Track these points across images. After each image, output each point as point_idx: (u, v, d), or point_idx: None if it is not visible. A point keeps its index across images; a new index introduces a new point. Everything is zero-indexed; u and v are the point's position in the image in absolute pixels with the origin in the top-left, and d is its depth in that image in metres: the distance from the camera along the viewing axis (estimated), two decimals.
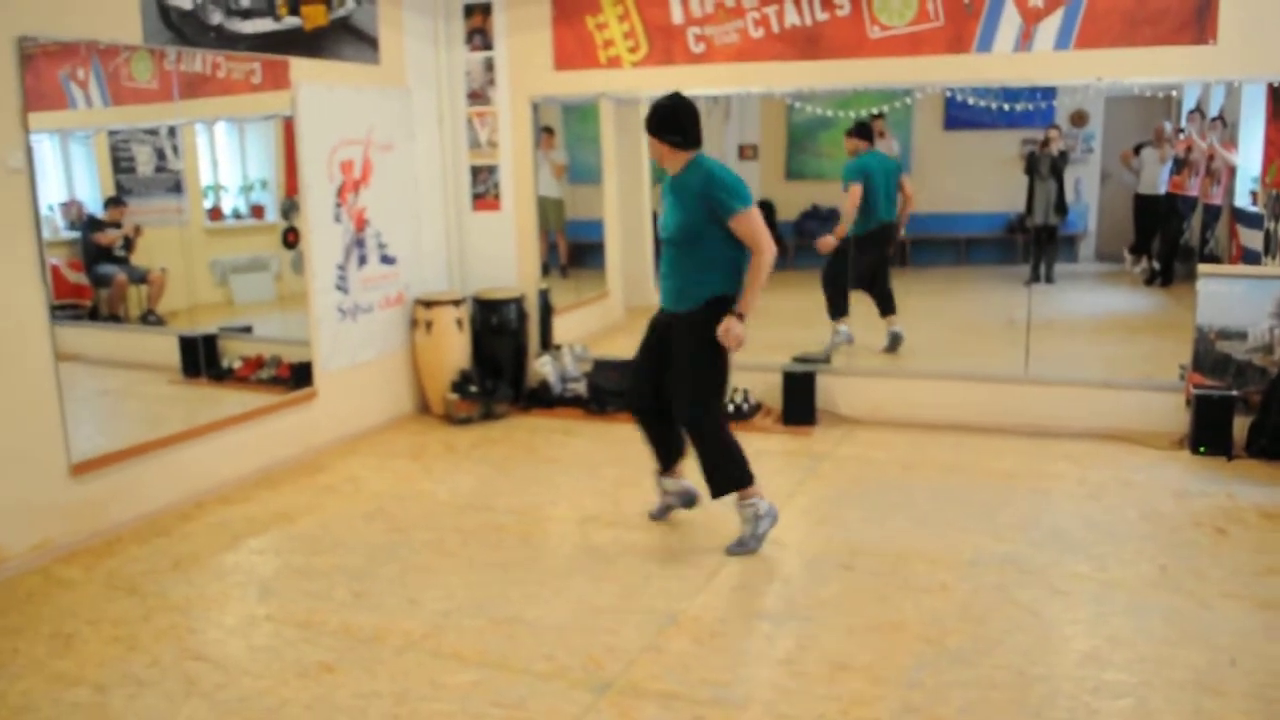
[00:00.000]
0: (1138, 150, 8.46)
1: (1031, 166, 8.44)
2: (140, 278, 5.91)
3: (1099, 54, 5.95)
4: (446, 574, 4.53)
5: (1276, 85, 6.20)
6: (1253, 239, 6.97)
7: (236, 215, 6.61)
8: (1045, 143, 8.32)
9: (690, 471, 4.89)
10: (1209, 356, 6.11)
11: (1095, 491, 5.39)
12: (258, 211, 6.70)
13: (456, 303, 7.14)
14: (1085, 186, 9.18)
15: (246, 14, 5.72)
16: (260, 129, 6.61)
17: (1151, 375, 6.54)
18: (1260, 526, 4.86)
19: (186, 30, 5.40)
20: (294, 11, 6.01)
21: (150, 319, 6.00)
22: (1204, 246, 7.85)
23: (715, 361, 4.55)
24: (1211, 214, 7.88)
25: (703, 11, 6.64)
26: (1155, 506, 5.16)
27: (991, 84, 6.42)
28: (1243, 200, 7.27)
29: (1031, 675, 3.53)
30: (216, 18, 5.55)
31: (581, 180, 8.48)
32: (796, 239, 9.84)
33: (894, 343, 7.63)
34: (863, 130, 7.58)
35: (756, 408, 6.84)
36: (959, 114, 8.80)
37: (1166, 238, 8.50)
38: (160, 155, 5.88)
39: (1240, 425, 5.89)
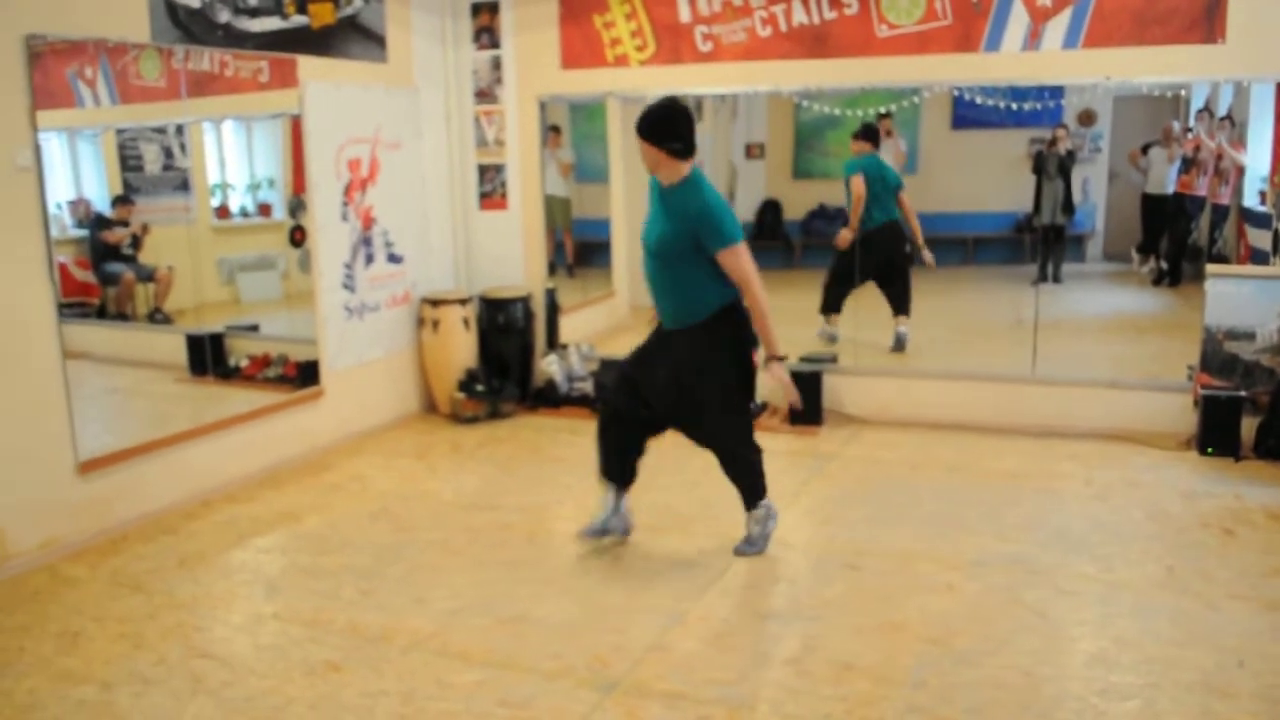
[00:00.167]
0: (1146, 150, 8.43)
1: (1039, 166, 8.42)
2: (147, 276, 5.92)
3: (1107, 53, 5.94)
4: (453, 573, 4.53)
5: None
6: (1261, 239, 6.95)
7: (244, 213, 6.63)
8: (1053, 142, 8.29)
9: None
10: (1217, 357, 6.09)
11: (1102, 492, 5.38)
12: (265, 210, 6.71)
13: (463, 302, 7.14)
14: (1093, 186, 9.15)
15: (254, 12, 5.72)
16: (268, 127, 6.62)
17: (1159, 375, 6.52)
18: (1268, 528, 4.84)
19: (194, 28, 5.41)
20: (301, 10, 6.02)
21: (157, 317, 6.01)
22: (1212, 246, 7.83)
23: (732, 380, 4.46)
24: (1220, 214, 7.86)
25: (710, 10, 6.63)
26: (1162, 507, 5.14)
27: (999, 83, 6.40)
28: (1251, 200, 7.25)
29: (1038, 676, 3.53)
30: (224, 16, 5.56)
31: (588, 179, 8.48)
32: (803, 238, 9.85)
33: (898, 343, 7.62)
34: (867, 133, 7.58)
35: (763, 407, 6.84)
36: (967, 113, 8.78)
37: (1174, 237, 8.47)
38: (168, 153, 5.89)
39: (1248, 426, 5.87)
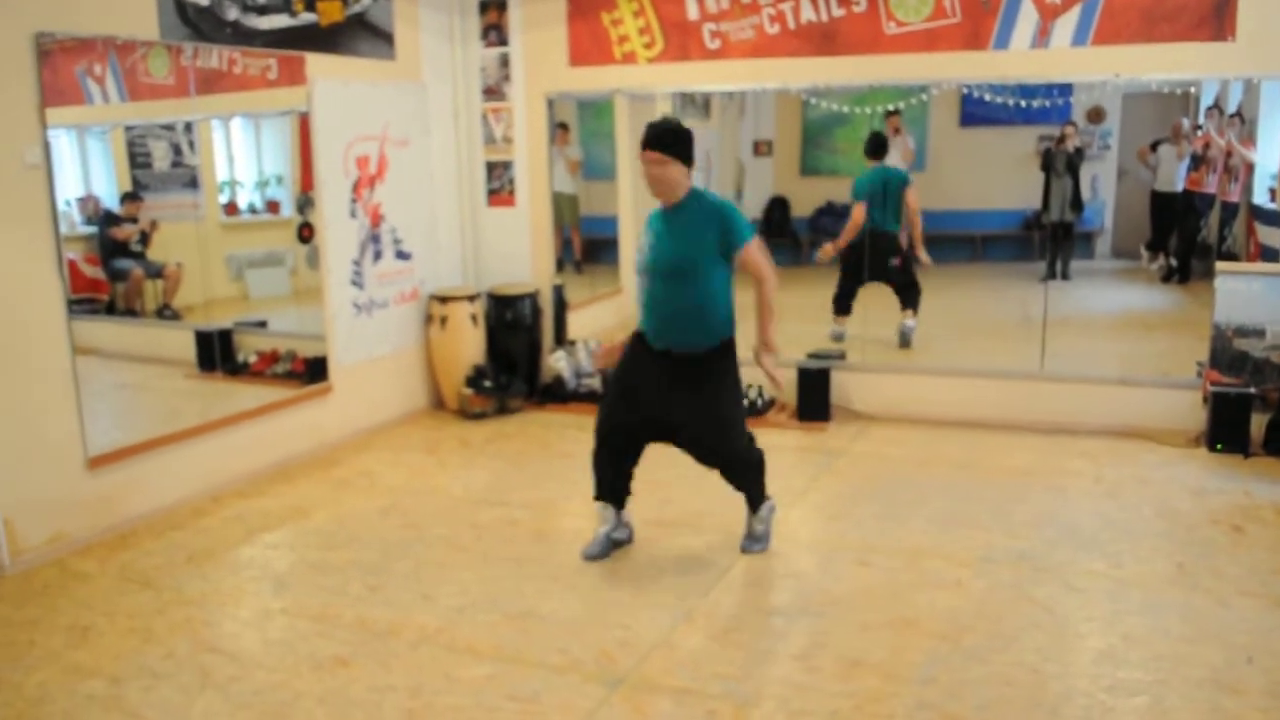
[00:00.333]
0: (1155, 147, 8.41)
1: (1048, 163, 8.41)
2: (156, 272, 5.94)
3: (1117, 50, 5.92)
4: (461, 568, 4.54)
5: None
6: (1271, 236, 6.93)
7: (252, 210, 6.64)
8: (1061, 139, 8.28)
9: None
10: (1226, 354, 6.07)
11: (1111, 489, 5.37)
12: (273, 207, 6.72)
13: (471, 298, 7.14)
14: (1102, 183, 9.14)
15: (263, 10, 5.73)
16: (276, 124, 6.63)
17: (1168, 373, 6.51)
18: (1277, 524, 4.83)
19: (203, 26, 5.42)
20: (310, 7, 6.02)
21: (166, 313, 6.02)
22: (1221, 244, 7.81)
23: (740, 396, 4.52)
24: (1229, 211, 7.84)
25: (718, 7, 6.63)
26: (1172, 504, 5.13)
27: (1008, 81, 6.39)
28: (1261, 197, 7.23)
29: (1047, 673, 3.52)
30: (233, 13, 5.57)
31: (596, 176, 8.47)
32: (811, 235, 9.84)
33: (902, 338, 7.63)
34: (871, 146, 7.64)
35: (770, 403, 6.83)
36: (975, 110, 8.78)
37: (1183, 235, 8.45)
38: (176, 150, 5.90)
39: (1257, 423, 5.85)
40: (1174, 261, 8.58)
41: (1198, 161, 8.10)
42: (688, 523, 4.99)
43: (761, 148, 10.12)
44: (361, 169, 6.51)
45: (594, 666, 3.64)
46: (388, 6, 6.63)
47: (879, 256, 7.62)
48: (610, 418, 4.54)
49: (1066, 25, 5.97)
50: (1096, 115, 8.93)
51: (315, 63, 6.11)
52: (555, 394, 7.35)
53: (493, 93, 7.40)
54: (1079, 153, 8.38)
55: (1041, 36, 6.03)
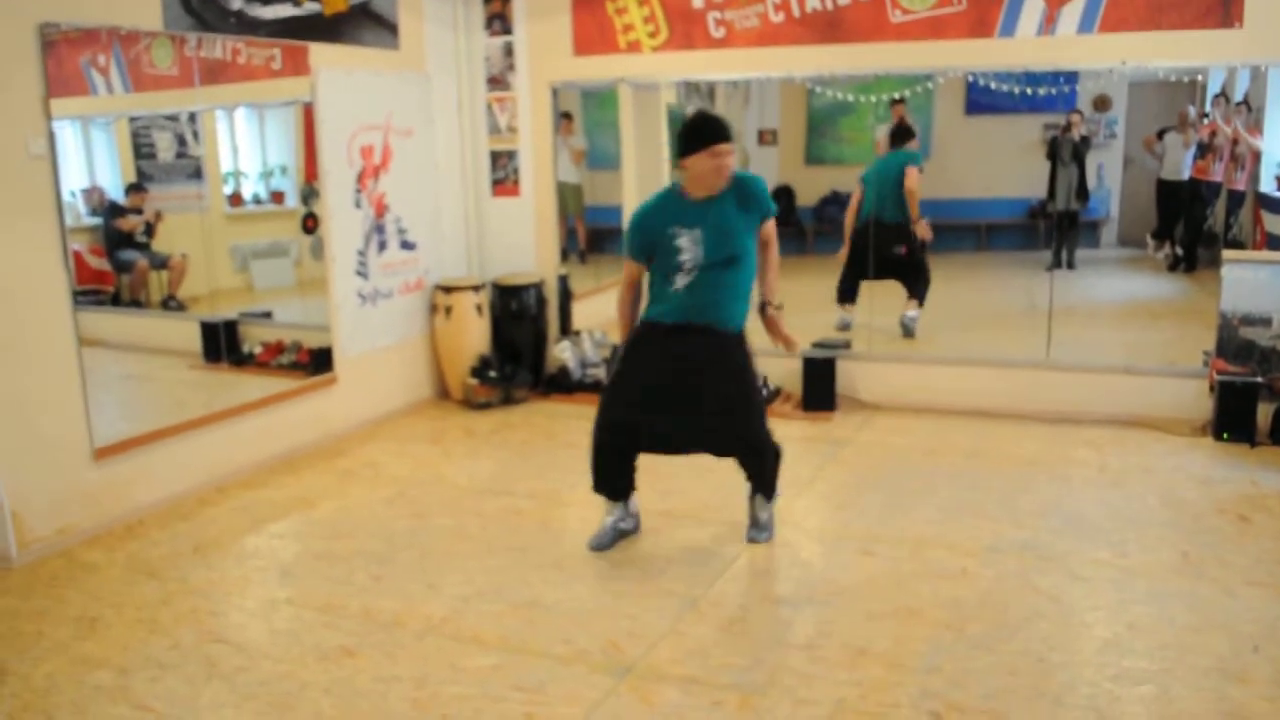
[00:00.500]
0: (1161, 135, 8.39)
1: (1053, 152, 8.39)
2: (161, 263, 5.94)
3: (1123, 38, 5.90)
4: (466, 558, 4.54)
5: None
6: (1277, 225, 6.90)
7: (256, 201, 6.63)
8: (1067, 127, 8.26)
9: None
10: (1232, 343, 6.06)
11: (1117, 478, 5.37)
12: (278, 197, 6.72)
13: (476, 288, 7.14)
14: (1107, 172, 9.12)
15: None
16: (280, 115, 6.62)
17: (1174, 361, 6.49)
18: None
19: (207, 16, 5.41)
20: None
21: (171, 304, 6.03)
22: (1228, 232, 7.78)
23: (759, 384, 4.53)
24: (1235, 199, 7.81)
25: None
26: (1177, 493, 5.13)
27: (1014, 69, 6.37)
28: (1267, 186, 7.20)
29: (1052, 662, 3.52)
30: (236, 3, 5.56)
31: (600, 166, 8.45)
32: (816, 224, 9.82)
33: (904, 328, 7.62)
34: (894, 136, 7.66)
35: (776, 393, 6.83)
36: (980, 99, 8.76)
37: (1190, 223, 8.43)
38: (181, 141, 5.90)
39: (1264, 412, 5.84)
40: (1180, 250, 8.55)
41: (1204, 150, 8.08)
42: (692, 513, 4.99)
43: (766, 137, 10.10)
44: (366, 159, 6.50)
45: (600, 656, 3.64)
46: None
47: (881, 246, 7.61)
48: (620, 418, 4.44)
49: (1073, 12, 5.95)
50: (1102, 103, 8.90)
51: (319, 52, 6.10)
52: (560, 384, 7.35)
53: (497, 82, 7.38)
54: (1085, 141, 8.36)
55: (1048, 24, 6.00)
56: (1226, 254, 6.23)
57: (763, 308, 4.46)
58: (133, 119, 5.73)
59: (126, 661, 3.69)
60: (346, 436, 6.42)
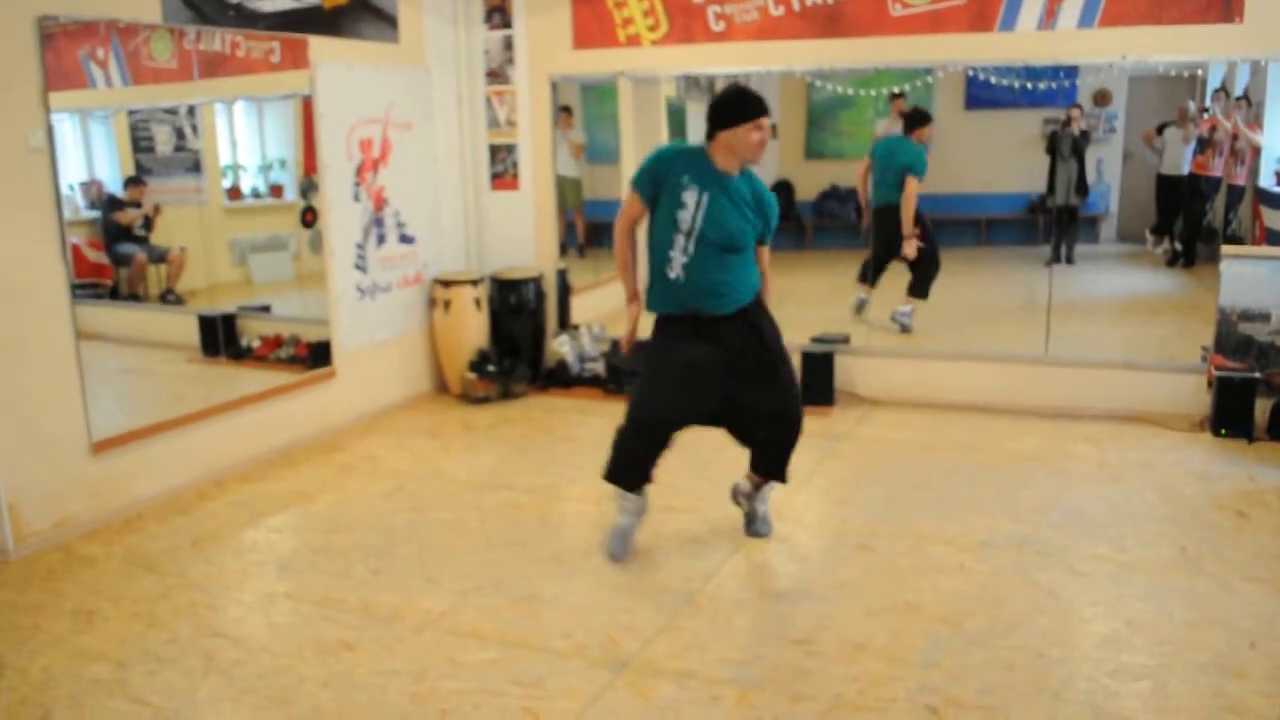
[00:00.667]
0: (1161, 130, 8.37)
1: (1053, 146, 8.37)
2: (160, 257, 5.93)
3: (1123, 32, 5.89)
4: (464, 553, 4.55)
5: None
6: (1277, 220, 6.90)
7: (255, 194, 6.62)
8: (1067, 122, 8.24)
9: None
10: (1231, 338, 6.06)
11: (1115, 473, 5.37)
12: (276, 191, 6.71)
13: (475, 282, 7.14)
14: (1107, 167, 9.10)
15: None
16: (279, 108, 6.61)
17: (1173, 357, 6.49)
18: None
19: (206, 9, 5.40)
20: None
21: (169, 298, 6.02)
22: (1227, 227, 7.78)
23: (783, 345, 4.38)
24: (1235, 195, 7.80)
25: None
26: (1176, 489, 5.13)
27: (1014, 63, 6.36)
28: (1267, 181, 7.19)
29: (1050, 657, 3.52)
30: None
31: (599, 160, 8.45)
32: (815, 219, 9.81)
33: (899, 325, 7.62)
34: (907, 119, 7.63)
35: None
36: (980, 93, 8.73)
37: (1189, 219, 8.42)
38: (179, 134, 5.89)
39: (1262, 408, 5.84)
40: (1179, 245, 8.54)
41: (1204, 145, 8.07)
42: (690, 507, 4.99)
43: None
44: (365, 152, 6.50)
45: (598, 651, 3.65)
46: None
47: (883, 228, 7.64)
48: (659, 408, 4.23)
49: (1073, 7, 5.94)
50: (1102, 98, 8.88)
51: (318, 46, 6.09)
52: (559, 378, 7.35)
53: (496, 76, 7.37)
54: (1085, 136, 8.34)
55: (1048, 18, 6.00)
56: (1225, 249, 6.23)
57: None
58: (131, 112, 5.72)
59: (124, 655, 3.69)
60: (345, 430, 6.42)
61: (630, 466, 4.36)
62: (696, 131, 8.64)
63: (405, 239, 6.91)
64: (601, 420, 6.57)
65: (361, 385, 6.60)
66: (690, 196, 4.05)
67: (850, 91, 7.74)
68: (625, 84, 7.24)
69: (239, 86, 6.04)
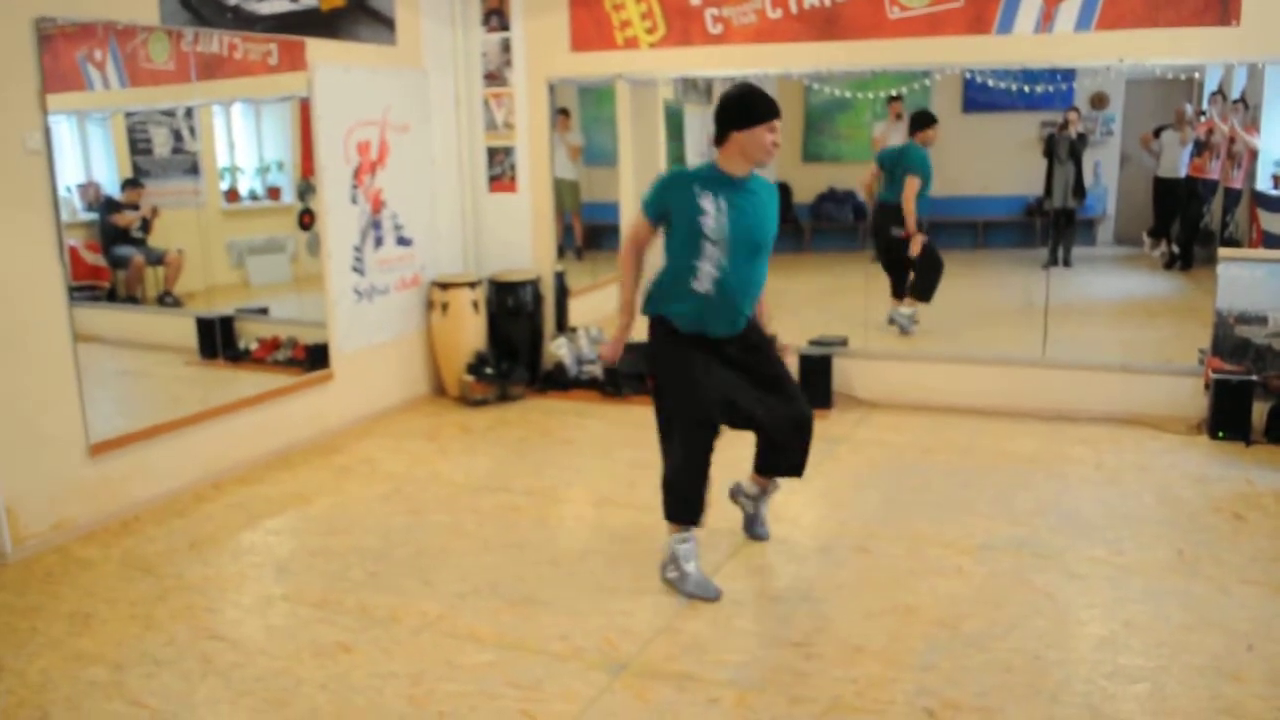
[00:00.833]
0: (1158, 133, 8.38)
1: (1050, 149, 8.38)
2: (157, 259, 5.93)
3: (1120, 35, 5.90)
4: (462, 555, 4.54)
5: None
6: (1274, 223, 6.90)
7: (253, 197, 6.62)
8: (1064, 125, 8.25)
9: None
10: (1228, 341, 6.07)
11: (1113, 476, 5.37)
12: (274, 193, 6.70)
13: (472, 285, 7.14)
14: (1104, 169, 9.10)
15: None
16: (277, 110, 6.61)
17: (1170, 359, 6.50)
18: (1278, 512, 4.83)
19: (203, 11, 5.40)
20: None
21: (167, 300, 6.02)
22: (1224, 230, 7.78)
23: None
24: (1232, 198, 7.80)
25: None
26: (1173, 491, 5.13)
27: (1012, 66, 6.37)
28: (1264, 184, 7.20)
29: (1047, 659, 3.52)
30: None
31: (597, 162, 8.44)
32: (813, 221, 9.81)
33: (898, 327, 7.63)
34: (911, 121, 7.67)
35: None
36: (978, 96, 8.74)
37: (1186, 221, 8.42)
38: (177, 137, 5.89)
39: (1259, 410, 5.85)
40: (1176, 248, 8.55)
41: (1201, 147, 8.07)
42: None
43: None
44: (362, 155, 6.50)
45: (596, 654, 3.64)
46: None
47: (882, 226, 7.66)
48: (704, 408, 4.03)
49: (1070, 10, 5.95)
50: (1099, 101, 8.89)
51: (316, 48, 6.09)
52: (557, 381, 7.35)
53: (494, 78, 7.38)
54: (1082, 139, 8.35)
55: (1045, 21, 6.01)
56: (1222, 252, 6.23)
57: None
58: (129, 114, 5.72)
59: (121, 657, 3.69)
60: (342, 433, 6.42)
61: (695, 492, 4.07)
62: (695, 134, 8.67)
63: (403, 241, 6.91)
64: (599, 423, 6.58)
65: (359, 388, 6.60)
66: (708, 203, 3.92)
67: (848, 94, 7.75)
68: (623, 86, 7.24)
69: (236, 88, 6.04)
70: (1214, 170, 8.01)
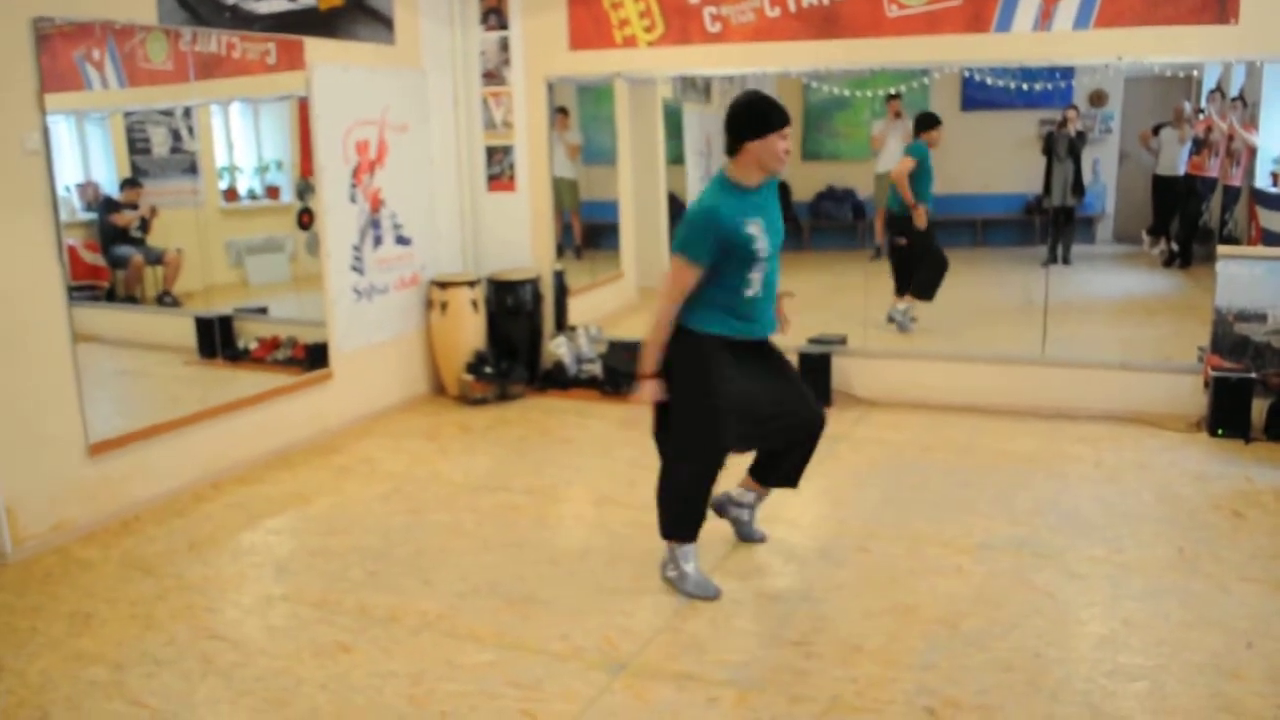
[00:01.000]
0: (1156, 131, 8.38)
1: (1049, 147, 8.39)
2: (156, 259, 5.93)
3: (1119, 33, 5.90)
4: (462, 554, 4.54)
5: None
6: (1272, 220, 6.91)
7: (252, 196, 6.62)
8: (1063, 123, 8.26)
9: None
10: (1227, 338, 6.07)
11: (1112, 474, 5.37)
12: (273, 192, 6.70)
13: (472, 284, 7.14)
14: (1103, 167, 9.11)
15: None
16: (275, 110, 6.61)
17: (1169, 357, 6.50)
18: (1278, 510, 4.83)
19: (202, 10, 5.40)
20: None
21: (166, 300, 6.02)
22: (1223, 228, 7.79)
23: None
24: (1231, 195, 7.81)
25: None
26: (1172, 489, 5.13)
27: (1010, 64, 6.37)
28: (1262, 181, 7.21)
29: (1047, 658, 3.52)
30: None
31: (596, 161, 8.45)
32: (812, 220, 9.81)
33: (897, 325, 7.64)
34: (916, 122, 7.71)
35: None
36: (976, 94, 8.74)
37: (1185, 219, 8.43)
38: (175, 136, 5.89)
39: (1259, 408, 5.85)
40: (1175, 246, 8.55)
41: (1199, 145, 8.08)
42: None
43: None
44: (361, 154, 6.49)
45: (596, 653, 3.65)
46: None
47: (889, 235, 7.71)
48: (728, 439, 4.05)
49: (1069, 8, 5.95)
50: (1098, 99, 8.89)
51: (314, 47, 6.08)
52: (556, 380, 7.35)
53: (492, 77, 7.37)
54: (1080, 137, 8.35)
55: (1044, 19, 6.00)
56: (1221, 249, 6.23)
57: None
58: (127, 114, 5.72)
59: (121, 657, 3.69)
60: (342, 432, 6.42)
61: (697, 514, 4.12)
62: (693, 132, 8.67)
63: (402, 240, 6.91)
64: (599, 422, 6.58)
65: (358, 387, 6.59)
66: (755, 229, 3.88)
67: (846, 93, 7.74)
68: (621, 85, 7.25)
69: (235, 88, 6.04)
70: (1213, 168, 8.02)
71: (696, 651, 3.64)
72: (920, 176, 7.67)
